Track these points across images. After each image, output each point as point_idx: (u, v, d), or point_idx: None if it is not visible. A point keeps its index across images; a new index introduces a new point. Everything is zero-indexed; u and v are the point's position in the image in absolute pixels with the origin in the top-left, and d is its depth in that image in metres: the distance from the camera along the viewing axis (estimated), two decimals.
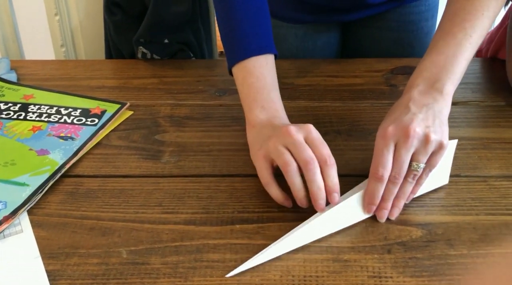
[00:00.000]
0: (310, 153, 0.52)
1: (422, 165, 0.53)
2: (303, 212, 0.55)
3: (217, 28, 1.06)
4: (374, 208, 0.53)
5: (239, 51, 0.63)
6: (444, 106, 0.55)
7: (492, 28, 0.89)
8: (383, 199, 0.53)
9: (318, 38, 0.91)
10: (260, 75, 0.62)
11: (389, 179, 0.52)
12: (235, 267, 0.49)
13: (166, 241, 0.52)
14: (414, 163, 0.52)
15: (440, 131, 0.53)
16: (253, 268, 0.49)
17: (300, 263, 0.49)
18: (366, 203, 0.53)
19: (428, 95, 0.55)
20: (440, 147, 0.52)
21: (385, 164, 0.52)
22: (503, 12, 0.84)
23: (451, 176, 0.60)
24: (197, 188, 0.59)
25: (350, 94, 0.77)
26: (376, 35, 0.90)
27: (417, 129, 0.52)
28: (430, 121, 0.53)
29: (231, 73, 0.65)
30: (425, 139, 0.52)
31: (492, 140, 0.66)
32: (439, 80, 0.56)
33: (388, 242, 0.51)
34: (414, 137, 0.52)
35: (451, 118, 0.70)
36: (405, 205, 0.55)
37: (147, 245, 0.52)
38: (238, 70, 0.63)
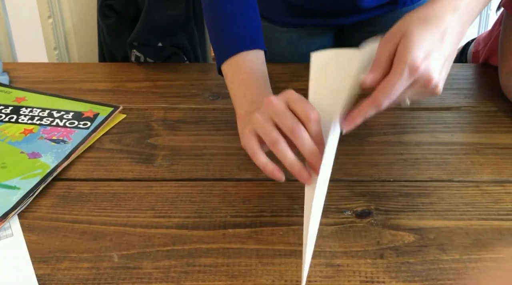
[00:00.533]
0: (294, 119, 0.50)
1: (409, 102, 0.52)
2: (295, 215, 0.55)
3: None
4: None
5: (228, 48, 0.63)
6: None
7: (485, 32, 0.90)
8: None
9: (311, 42, 0.91)
10: (249, 70, 0.61)
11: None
12: (227, 271, 0.49)
13: (158, 245, 0.52)
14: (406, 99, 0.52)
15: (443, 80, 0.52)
16: (245, 272, 0.49)
17: (293, 267, 0.49)
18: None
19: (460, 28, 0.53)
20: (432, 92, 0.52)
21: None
22: (495, 17, 0.85)
23: (443, 181, 0.60)
24: (190, 192, 0.59)
25: None
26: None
27: (439, 85, 0.51)
28: (445, 71, 0.52)
29: (220, 73, 0.65)
30: (432, 88, 0.51)
31: (485, 145, 0.66)
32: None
33: (380, 247, 0.51)
34: (433, 89, 0.51)
35: (444, 124, 0.71)
36: (398, 210, 0.56)
37: (139, 249, 0.51)
38: (228, 66, 0.63)
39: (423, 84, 0.50)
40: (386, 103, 0.50)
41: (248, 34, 0.64)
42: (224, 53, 0.63)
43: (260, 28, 0.66)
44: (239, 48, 0.62)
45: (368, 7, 0.85)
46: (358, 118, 0.51)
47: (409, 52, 0.49)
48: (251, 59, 0.62)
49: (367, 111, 0.51)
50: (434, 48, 0.51)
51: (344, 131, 0.52)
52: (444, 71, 0.52)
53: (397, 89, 0.50)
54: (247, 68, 0.61)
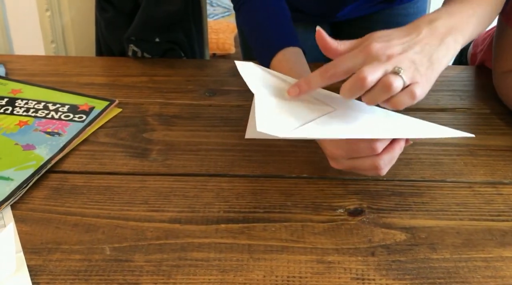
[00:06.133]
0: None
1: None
2: (288, 212, 0.55)
3: (208, 29, 1.06)
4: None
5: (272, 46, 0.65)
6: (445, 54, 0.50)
7: (483, 35, 0.90)
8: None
9: (307, 38, 0.92)
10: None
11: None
12: (218, 266, 0.49)
13: (150, 239, 0.52)
14: None
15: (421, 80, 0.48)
16: (236, 267, 0.49)
17: (284, 263, 0.49)
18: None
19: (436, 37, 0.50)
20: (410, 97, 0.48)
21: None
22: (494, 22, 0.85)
23: (436, 181, 0.60)
24: (184, 187, 0.59)
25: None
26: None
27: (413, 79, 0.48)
28: (422, 75, 0.48)
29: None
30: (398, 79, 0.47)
31: (478, 147, 0.66)
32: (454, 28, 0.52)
33: (372, 244, 0.52)
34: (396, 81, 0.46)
35: (438, 125, 0.71)
36: (390, 209, 0.56)
37: (131, 242, 0.51)
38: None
39: (389, 72, 0.46)
40: (331, 72, 0.48)
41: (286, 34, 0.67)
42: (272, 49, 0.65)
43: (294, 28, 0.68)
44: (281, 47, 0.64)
45: (341, 20, 0.86)
46: (303, 86, 0.50)
47: (370, 36, 0.48)
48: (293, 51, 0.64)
49: (313, 79, 0.50)
50: (402, 42, 0.48)
51: (288, 96, 0.51)
52: (420, 73, 0.48)
53: (345, 61, 0.48)
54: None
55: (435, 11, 0.54)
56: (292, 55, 0.64)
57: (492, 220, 0.55)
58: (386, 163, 0.53)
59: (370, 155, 0.52)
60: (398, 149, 0.53)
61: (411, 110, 0.75)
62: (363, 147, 0.51)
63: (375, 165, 0.52)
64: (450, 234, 0.53)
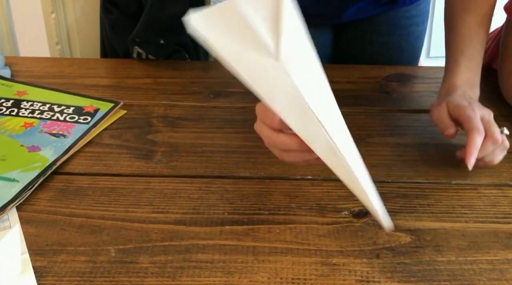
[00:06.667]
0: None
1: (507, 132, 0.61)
2: (292, 214, 0.55)
3: None
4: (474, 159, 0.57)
5: None
6: None
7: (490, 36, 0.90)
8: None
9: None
10: None
11: (489, 136, 0.58)
12: (223, 268, 0.49)
13: (155, 241, 0.52)
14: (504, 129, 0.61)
15: None
16: (241, 269, 0.49)
17: (289, 265, 0.49)
18: (468, 153, 0.57)
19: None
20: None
21: (481, 126, 0.58)
22: (499, 24, 0.85)
23: (441, 183, 0.60)
24: (188, 188, 0.59)
25: (344, 100, 0.77)
26: (367, 38, 0.92)
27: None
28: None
29: None
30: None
31: None
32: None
33: (377, 247, 0.52)
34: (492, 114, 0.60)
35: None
36: (395, 211, 0.56)
37: (135, 244, 0.51)
38: None
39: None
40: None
41: None
42: None
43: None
44: None
45: (343, 22, 0.86)
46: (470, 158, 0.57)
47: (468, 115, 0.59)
48: None
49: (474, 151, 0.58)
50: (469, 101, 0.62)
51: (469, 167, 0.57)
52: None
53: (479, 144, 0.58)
54: None
55: (456, 78, 0.66)
56: None
57: (498, 223, 0.55)
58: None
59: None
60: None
61: (416, 112, 0.74)
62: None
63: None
64: (455, 236, 0.53)
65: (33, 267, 0.48)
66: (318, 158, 0.46)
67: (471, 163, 0.57)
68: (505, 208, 0.56)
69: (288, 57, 0.44)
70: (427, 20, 0.95)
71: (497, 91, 0.77)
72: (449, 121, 0.62)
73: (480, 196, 0.58)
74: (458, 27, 0.69)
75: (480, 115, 0.60)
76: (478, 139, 0.57)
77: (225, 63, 0.44)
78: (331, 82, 0.67)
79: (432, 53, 2.02)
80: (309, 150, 0.46)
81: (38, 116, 0.71)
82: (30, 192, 0.57)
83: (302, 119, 0.45)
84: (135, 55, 0.90)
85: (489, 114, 0.61)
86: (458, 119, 0.61)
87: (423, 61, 1.76)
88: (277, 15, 0.43)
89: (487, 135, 0.58)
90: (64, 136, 0.67)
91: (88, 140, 0.67)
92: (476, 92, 0.66)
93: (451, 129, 0.61)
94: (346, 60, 0.96)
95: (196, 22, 0.44)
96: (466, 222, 0.55)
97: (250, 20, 0.43)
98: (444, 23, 0.72)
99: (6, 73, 0.81)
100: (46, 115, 0.71)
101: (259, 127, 0.49)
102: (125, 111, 0.73)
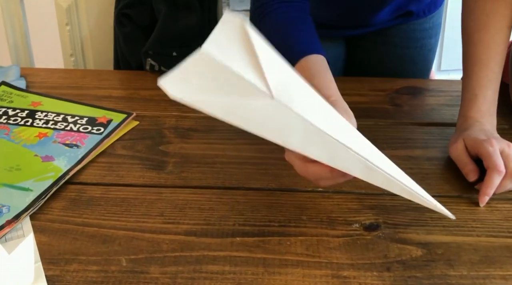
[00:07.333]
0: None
1: None
2: (303, 226, 0.55)
3: None
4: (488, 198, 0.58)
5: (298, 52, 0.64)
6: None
7: None
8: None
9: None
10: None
11: (509, 175, 0.58)
12: (233, 279, 0.49)
13: (166, 251, 0.52)
14: None
15: None
16: (251, 281, 0.49)
17: (299, 277, 0.49)
18: (483, 193, 0.58)
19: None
20: None
21: (501, 163, 0.58)
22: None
23: (453, 197, 0.60)
24: (199, 199, 0.59)
25: (355, 112, 0.77)
26: (380, 50, 0.92)
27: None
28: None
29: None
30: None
31: None
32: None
33: (387, 260, 0.51)
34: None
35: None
36: (406, 224, 0.56)
37: (147, 254, 0.52)
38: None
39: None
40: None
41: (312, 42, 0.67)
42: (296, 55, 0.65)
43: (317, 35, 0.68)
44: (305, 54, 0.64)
45: (380, 22, 0.86)
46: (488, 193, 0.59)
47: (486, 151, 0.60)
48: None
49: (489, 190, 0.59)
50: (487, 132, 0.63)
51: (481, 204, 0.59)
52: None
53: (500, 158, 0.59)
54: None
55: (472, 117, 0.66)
56: (316, 62, 0.64)
57: (511, 237, 0.54)
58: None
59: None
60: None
61: (428, 125, 0.74)
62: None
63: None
64: (467, 251, 0.52)
65: (46, 276, 0.49)
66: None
67: (483, 202, 0.58)
68: None
69: (280, 91, 0.43)
70: (439, 33, 0.96)
71: (509, 105, 0.77)
72: (468, 160, 0.62)
73: (492, 210, 0.58)
74: (475, 49, 0.68)
75: (500, 149, 0.59)
76: (496, 180, 0.58)
77: (221, 119, 0.43)
78: (342, 94, 0.68)
79: (444, 66, 2.02)
80: (343, 174, 0.48)
81: (52, 126, 0.72)
82: (43, 202, 0.58)
83: (324, 147, 0.45)
84: (148, 67, 0.91)
85: (508, 147, 0.60)
86: (477, 155, 0.61)
87: (435, 73, 1.75)
88: (251, 52, 0.42)
89: (507, 173, 0.58)
90: (77, 146, 0.68)
91: (101, 150, 0.68)
92: (493, 122, 0.65)
93: (470, 175, 0.61)
94: (359, 72, 0.97)
95: (171, 86, 0.42)
96: (478, 236, 0.54)
97: (230, 65, 0.41)
98: (462, 37, 0.70)
99: (22, 84, 0.83)
100: (60, 125, 0.72)
101: (289, 157, 0.52)
102: (137, 122, 0.74)
